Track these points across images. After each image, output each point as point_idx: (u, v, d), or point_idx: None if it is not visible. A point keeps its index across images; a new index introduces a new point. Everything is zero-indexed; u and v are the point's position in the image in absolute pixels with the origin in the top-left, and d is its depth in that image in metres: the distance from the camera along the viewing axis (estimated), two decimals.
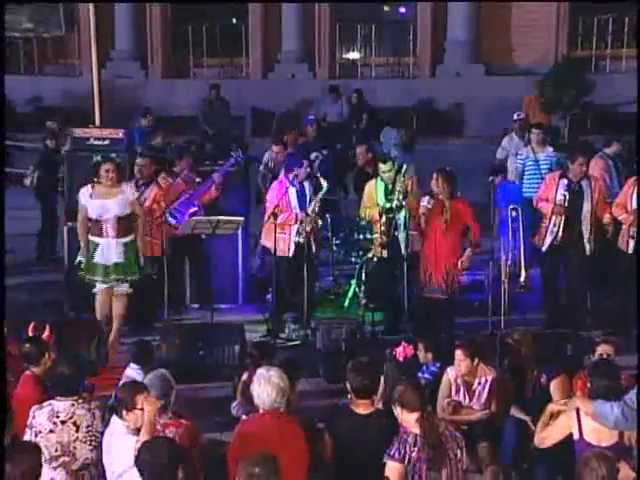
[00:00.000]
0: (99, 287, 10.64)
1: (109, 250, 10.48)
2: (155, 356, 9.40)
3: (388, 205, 11.00)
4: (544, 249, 10.98)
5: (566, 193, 10.78)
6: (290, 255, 11.21)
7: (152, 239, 11.37)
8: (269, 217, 11.13)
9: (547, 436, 6.79)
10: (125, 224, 10.56)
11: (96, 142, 12.20)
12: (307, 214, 11.13)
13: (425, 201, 10.40)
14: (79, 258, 10.87)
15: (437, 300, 10.54)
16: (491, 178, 14.03)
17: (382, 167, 11.23)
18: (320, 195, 11.22)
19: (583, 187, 10.83)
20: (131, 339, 10.43)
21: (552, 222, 10.84)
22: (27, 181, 14.59)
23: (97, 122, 12.64)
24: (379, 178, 11.23)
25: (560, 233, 10.83)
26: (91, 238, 10.59)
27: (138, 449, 5.98)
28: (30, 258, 14.51)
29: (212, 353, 10.27)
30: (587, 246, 10.87)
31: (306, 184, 11.34)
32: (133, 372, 8.00)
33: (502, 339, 9.49)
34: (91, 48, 12.67)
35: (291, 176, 11.27)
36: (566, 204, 10.77)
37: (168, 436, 6.46)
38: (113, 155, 11.43)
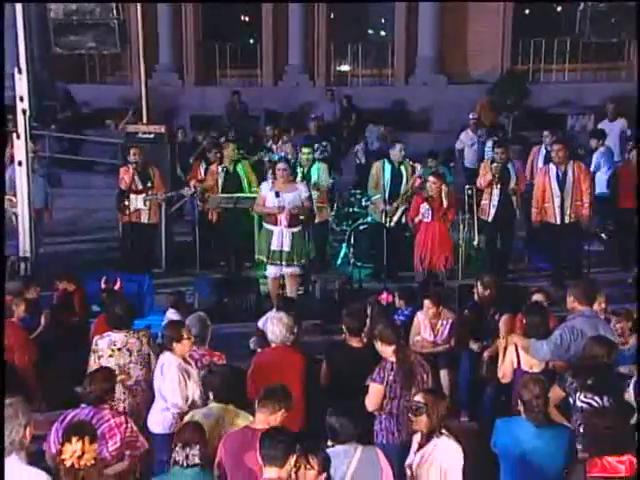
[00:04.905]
0: (271, 270, 9.89)
1: (282, 238, 9.63)
2: (188, 303, 9.44)
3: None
4: (490, 220, 10.89)
5: (496, 174, 10.71)
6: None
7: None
8: None
9: (504, 372, 6.89)
10: (296, 216, 9.68)
11: (144, 136, 12.14)
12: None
13: (423, 209, 10.04)
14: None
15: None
16: (452, 164, 14.00)
17: (397, 146, 11.10)
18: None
19: (509, 168, 10.81)
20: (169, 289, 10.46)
21: (492, 198, 10.76)
22: None
23: (144, 120, 12.55)
24: (386, 160, 11.04)
25: (500, 206, 10.77)
26: (266, 226, 9.82)
27: (204, 374, 6.13)
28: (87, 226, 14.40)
29: (233, 301, 10.25)
30: (517, 213, 10.96)
31: (313, 168, 11.07)
32: (172, 315, 8.07)
33: (460, 289, 9.56)
34: (140, 62, 12.60)
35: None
36: (498, 182, 10.70)
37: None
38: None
